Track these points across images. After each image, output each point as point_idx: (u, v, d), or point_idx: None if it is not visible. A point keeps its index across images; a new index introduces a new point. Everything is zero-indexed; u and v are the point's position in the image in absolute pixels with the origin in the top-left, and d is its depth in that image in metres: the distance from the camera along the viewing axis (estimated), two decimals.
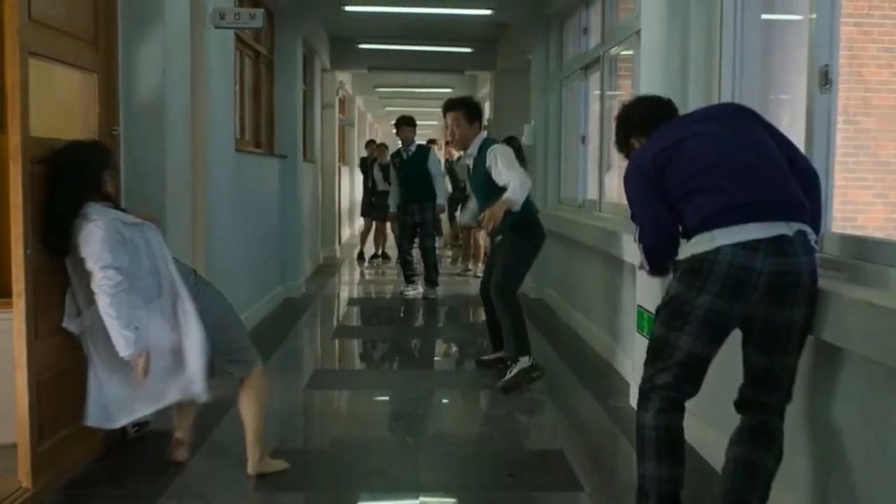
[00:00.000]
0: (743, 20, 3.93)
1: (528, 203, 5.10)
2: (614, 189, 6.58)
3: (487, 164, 5.10)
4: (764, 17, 4.07)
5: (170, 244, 3.76)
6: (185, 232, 4.63)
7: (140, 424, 4.08)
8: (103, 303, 3.26)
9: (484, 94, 15.77)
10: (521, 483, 3.65)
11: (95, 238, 3.28)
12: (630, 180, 2.95)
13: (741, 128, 2.81)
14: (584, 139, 7.83)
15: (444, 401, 5.17)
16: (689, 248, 2.71)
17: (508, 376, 5.11)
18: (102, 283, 3.25)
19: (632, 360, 5.02)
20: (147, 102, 4.15)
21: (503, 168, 5.00)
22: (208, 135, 5.59)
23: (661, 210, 2.83)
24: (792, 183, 2.68)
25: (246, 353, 3.67)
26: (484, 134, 5.51)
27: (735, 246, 2.57)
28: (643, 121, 3.08)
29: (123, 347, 3.29)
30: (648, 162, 2.83)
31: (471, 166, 5.43)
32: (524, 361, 5.11)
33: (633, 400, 4.71)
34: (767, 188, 2.65)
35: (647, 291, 4.28)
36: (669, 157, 2.77)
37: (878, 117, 8.24)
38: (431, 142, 12.87)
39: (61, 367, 3.53)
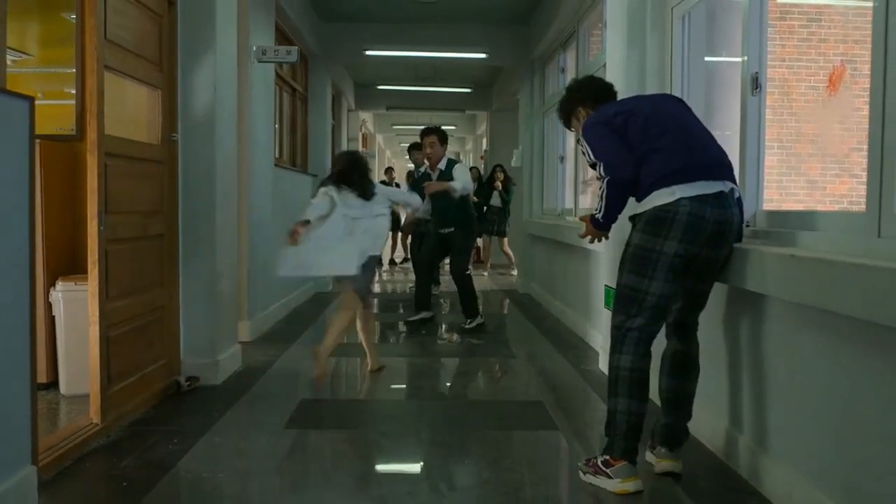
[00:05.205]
0: (689, 61, 3.95)
1: (468, 206, 6.19)
2: (587, 200, 6.61)
3: (453, 173, 6.01)
4: (707, 59, 4.05)
5: (220, 242, 4.22)
6: (232, 231, 4.64)
7: (191, 379, 4.11)
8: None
9: (482, 132, 15.84)
10: (509, 424, 3.64)
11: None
12: (592, 129, 2.79)
13: (682, 109, 2.87)
14: (562, 159, 7.83)
15: (445, 365, 5.16)
16: (650, 202, 2.66)
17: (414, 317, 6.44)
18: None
19: (601, 334, 5.01)
20: (200, 114, 4.18)
21: (461, 174, 6.04)
22: (251, 148, 5.63)
23: (623, 148, 2.71)
24: (723, 152, 2.74)
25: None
26: (449, 154, 6.35)
27: (691, 199, 2.58)
28: (593, 93, 3.03)
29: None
30: (610, 116, 2.76)
31: (435, 176, 6.14)
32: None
33: (601, 364, 4.72)
34: (710, 154, 2.70)
35: (612, 273, 4.26)
36: (627, 120, 2.73)
37: (806, 144, 8.24)
38: None
39: (127, 325, 3.55)
